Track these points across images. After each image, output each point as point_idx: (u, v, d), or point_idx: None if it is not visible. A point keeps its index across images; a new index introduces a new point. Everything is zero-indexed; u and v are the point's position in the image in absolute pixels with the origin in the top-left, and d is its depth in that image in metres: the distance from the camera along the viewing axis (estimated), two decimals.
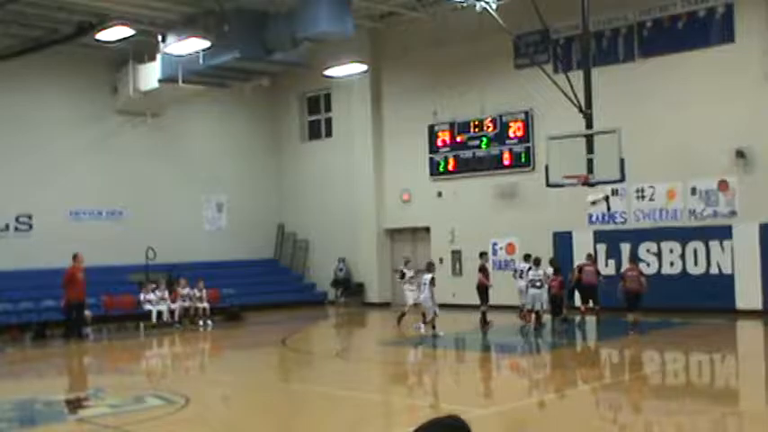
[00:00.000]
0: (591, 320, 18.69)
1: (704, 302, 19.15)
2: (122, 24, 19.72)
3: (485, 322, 18.93)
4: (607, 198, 18.98)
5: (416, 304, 19.13)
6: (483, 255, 19.96)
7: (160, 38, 21.17)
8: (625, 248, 20.58)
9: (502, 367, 15.04)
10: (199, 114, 26.31)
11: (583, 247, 20.78)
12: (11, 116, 22.68)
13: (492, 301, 19.21)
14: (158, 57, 21.89)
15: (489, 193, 23.20)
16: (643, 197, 20.63)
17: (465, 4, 18.11)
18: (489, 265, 20.22)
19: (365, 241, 26.04)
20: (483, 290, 19.09)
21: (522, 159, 22.63)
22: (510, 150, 22.88)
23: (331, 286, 26.62)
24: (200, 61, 20.42)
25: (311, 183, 27.50)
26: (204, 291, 22.09)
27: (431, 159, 24.50)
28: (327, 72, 23.20)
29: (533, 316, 18.40)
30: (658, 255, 20.26)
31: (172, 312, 21.30)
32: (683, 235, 19.98)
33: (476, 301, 19.23)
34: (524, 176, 22.40)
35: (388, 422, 10.47)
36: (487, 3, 17.43)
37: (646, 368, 14.10)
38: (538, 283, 18.35)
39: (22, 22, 20.38)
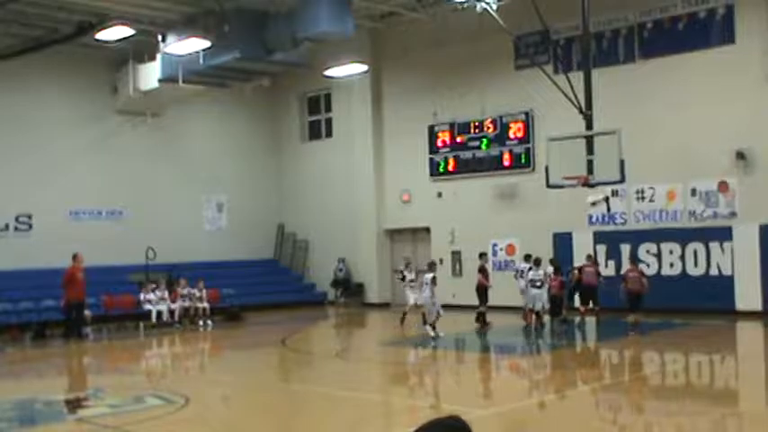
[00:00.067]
0: (591, 321, 18.69)
1: (704, 303, 19.15)
2: (122, 24, 19.72)
3: (484, 323, 18.94)
4: (607, 199, 19.00)
5: (417, 305, 19.13)
6: (482, 255, 19.97)
7: (160, 38, 21.17)
8: (625, 249, 20.58)
9: (502, 368, 15.03)
10: (199, 114, 26.31)
11: (583, 247, 20.79)
12: (11, 116, 22.67)
13: (492, 302, 19.21)
14: (158, 56, 21.89)
15: (489, 194, 23.20)
16: (643, 198, 20.63)
17: (465, 5, 18.11)
18: (489, 266, 20.23)
19: (365, 241, 26.04)
20: (482, 291, 19.09)
21: (523, 160, 22.63)
22: (510, 151, 22.88)
23: (331, 286, 26.62)
24: (201, 61, 20.42)
25: (311, 183, 27.50)
26: (204, 291, 22.09)
27: (431, 160, 24.51)
28: (328, 72, 23.19)
29: (534, 316, 18.40)
30: (658, 256, 20.26)
31: (172, 312, 21.30)
32: (682, 236, 19.98)
33: (476, 301, 19.22)
34: (524, 177, 22.40)
35: (389, 423, 10.46)
36: (488, 3, 17.43)
37: (646, 369, 14.09)
38: (538, 283, 18.35)
39: (23, 21, 20.38)
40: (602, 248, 21.00)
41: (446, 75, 23.91)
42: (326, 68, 22.96)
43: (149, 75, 22.73)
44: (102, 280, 21.41)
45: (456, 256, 23.94)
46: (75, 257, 19.68)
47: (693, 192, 19.92)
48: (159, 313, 21.08)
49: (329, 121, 27.70)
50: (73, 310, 19.37)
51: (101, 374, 15.43)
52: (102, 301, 21.35)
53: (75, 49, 22.14)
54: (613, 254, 20.83)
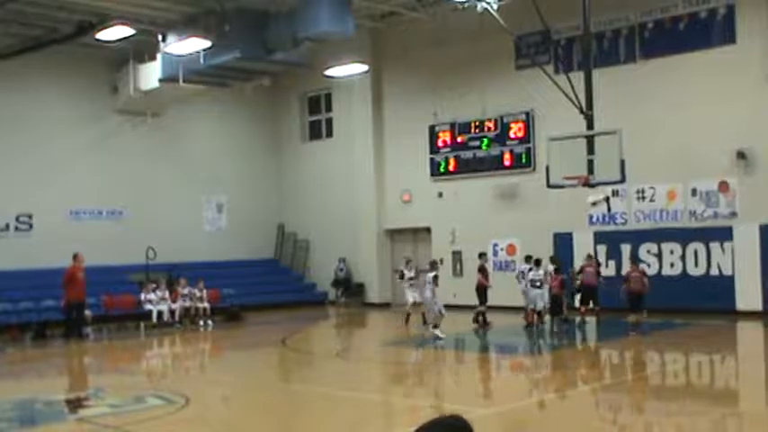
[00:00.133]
0: (591, 321, 18.68)
1: (704, 303, 19.14)
2: (123, 24, 19.71)
3: (485, 323, 18.94)
4: (607, 199, 18.98)
5: (417, 303, 19.14)
6: (482, 255, 19.96)
7: (160, 37, 21.16)
8: (625, 249, 20.58)
9: (502, 368, 15.02)
10: (199, 114, 26.31)
11: (583, 247, 20.78)
12: (11, 116, 22.67)
13: (492, 302, 19.20)
14: (159, 56, 21.89)
15: (490, 194, 23.19)
16: (643, 198, 20.62)
17: (466, 5, 18.10)
18: (489, 266, 20.22)
19: (365, 241, 26.04)
20: (482, 290, 19.08)
21: (523, 160, 22.63)
22: (511, 151, 22.88)
23: (331, 286, 26.62)
24: (201, 61, 20.42)
25: (312, 183, 27.49)
26: (204, 291, 22.08)
27: (431, 160, 24.50)
28: (328, 72, 23.19)
29: (535, 316, 18.39)
30: (659, 256, 20.25)
31: (172, 312, 21.29)
32: (683, 236, 19.97)
33: (477, 301, 19.20)
34: (525, 177, 22.39)
35: (389, 422, 10.46)
36: (488, 3, 17.42)
37: (646, 369, 14.08)
38: (537, 284, 18.34)
39: (22, 21, 20.37)
40: (602, 248, 21.00)
41: (447, 75, 23.91)
42: (327, 68, 22.96)
43: (150, 74, 22.73)
44: (102, 280, 21.41)
45: (457, 256, 23.93)
46: (75, 257, 19.68)
47: (694, 192, 19.92)
48: (160, 313, 21.08)
49: (329, 121, 27.69)
50: (73, 310, 19.37)
51: (101, 374, 15.43)
52: (102, 301, 21.35)
53: (75, 48, 22.13)
54: (614, 254, 20.83)
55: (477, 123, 23.48)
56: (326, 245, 26.97)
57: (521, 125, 22.71)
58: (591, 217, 21.31)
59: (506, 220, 22.82)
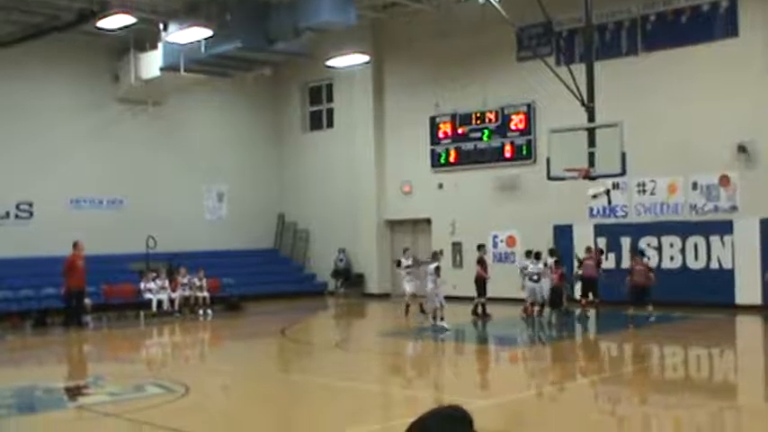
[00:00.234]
0: (591, 314, 18.70)
1: (704, 297, 19.16)
2: (124, 12, 19.65)
3: (484, 314, 18.95)
4: (608, 192, 18.94)
5: (415, 294, 19.13)
6: (481, 247, 19.96)
7: (162, 26, 21.09)
8: (625, 242, 20.59)
9: (501, 359, 15.05)
10: (200, 104, 26.27)
11: (583, 240, 20.78)
12: (11, 104, 22.62)
13: (491, 294, 19.21)
14: (160, 45, 21.84)
15: (490, 186, 23.18)
16: (644, 191, 20.62)
17: None
18: (488, 258, 20.22)
19: (366, 232, 26.04)
20: (481, 282, 19.09)
21: (524, 152, 22.61)
22: (511, 143, 22.86)
23: (331, 277, 26.64)
24: (202, 50, 20.38)
25: (312, 173, 27.47)
26: (204, 280, 22.10)
27: (432, 151, 24.48)
28: (329, 62, 23.14)
29: (535, 308, 18.41)
30: (659, 249, 20.25)
31: (172, 301, 21.32)
32: (683, 229, 19.97)
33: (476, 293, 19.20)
34: (525, 169, 22.38)
35: (388, 413, 10.49)
36: None
37: (645, 362, 14.10)
38: (535, 277, 18.37)
39: (23, 8, 20.33)
40: (602, 241, 20.98)
41: (448, 66, 23.86)
42: (328, 58, 22.91)
43: (151, 63, 22.69)
44: (102, 268, 21.43)
45: (456, 247, 23.94)
46: (75, 245, 19.70)
47: (694, 185, 19.90)
48: (159, 302, 21.10)
49: (330, 112, 27.65)
50: (73, 298, 19.39)
51: (101, 363, 15.46)
52: (102, 290, 21.37)
53: (76, 36, 22.08)
54: (614, 247, 20.83)
55: (478, 115, 23.45)
56: (327, 235, 26.98)
57: (522, 117, 22.68)
58: (591, 209, 21.30)
59: (506, 212, 22.82)
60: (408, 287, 19.37)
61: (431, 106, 24.29)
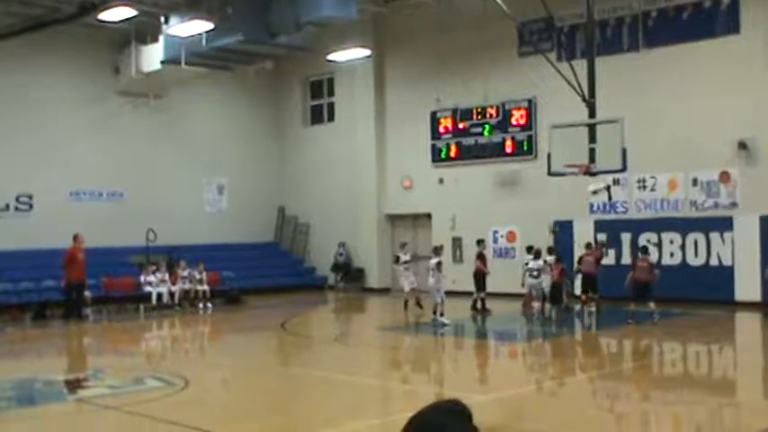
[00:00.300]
0: (591, 310, 18.71)
1: (704, 293, 19.16)
2: (125, 4, 19.60)
3: (484, 309, 18.97)
4: (608, 187, 18.92)
5: (413, 289, 19.12)
6: (480, 242, 19.97)
7: (163, 19, 21.05)
8: (626, 238, 20.59)
9: (501, 354, 15.08)
10: (201, 97, 26.25)
11: (583, 236, 20.77)
12: (12, 96, 22.59)
13: (491, 289, 19.23)
14: (161, 38, 21.79)
15: (491, 181, 23.18)
16: (644, 187, 20.61)
17: None
18: (488, 253, 20.23)
19: (366, 226, 26.05)
20: (480, 277, 19.10)
21: (525, 147, 22.60)
22: (512, 138, 22.85)
23: (331, 271, 26.65)
24: (203, 43, 20.36)
25: (313, 167, 27.46)
26: (204, 273, 22.10)
27: (433, 146, 24.47)
28: (331, 56, 23.13)
29: (535, 304, 18.43)
30: (659, 245, 20.25)
31: (172, 294, 21.33)
32: (683, 226, 19.98)
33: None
34: (526, 164, 22.37)
35: (387, 407, 10.51)
36: None
37: (644, 358, 14.13)
38: (535, 273, 18.39)
39: (24, 0, 20.27)
40: (602, 237, 20.99)
41: (449, 61, 23.83)
42: (330, 52, 22.89)
43: (152, 56, 22.66)
44: (102, 261, 21.44)
45: (457, 242, 23.95)
46: (75, 238, 19.71)
47: (695, 181, 19.90)
48: (159, 295, 21.12)
49: (332, 106, 27.64)
50: (73, 290, 19.42)
51: (101, 355, 15.49)
52: (102, 283, 21.39)
53: (77, 29, 22.03)
54: (614, 242, 20.83)
55: (479, 110, 23.43)
56: (327, 229, 26.99)
57: (523, 112, 22.67)
58: (591, 205, 21.30)
59: (507, 208, 22.83)
60: (405, 284, 19.33)
61: (432, 101, 24.27)
